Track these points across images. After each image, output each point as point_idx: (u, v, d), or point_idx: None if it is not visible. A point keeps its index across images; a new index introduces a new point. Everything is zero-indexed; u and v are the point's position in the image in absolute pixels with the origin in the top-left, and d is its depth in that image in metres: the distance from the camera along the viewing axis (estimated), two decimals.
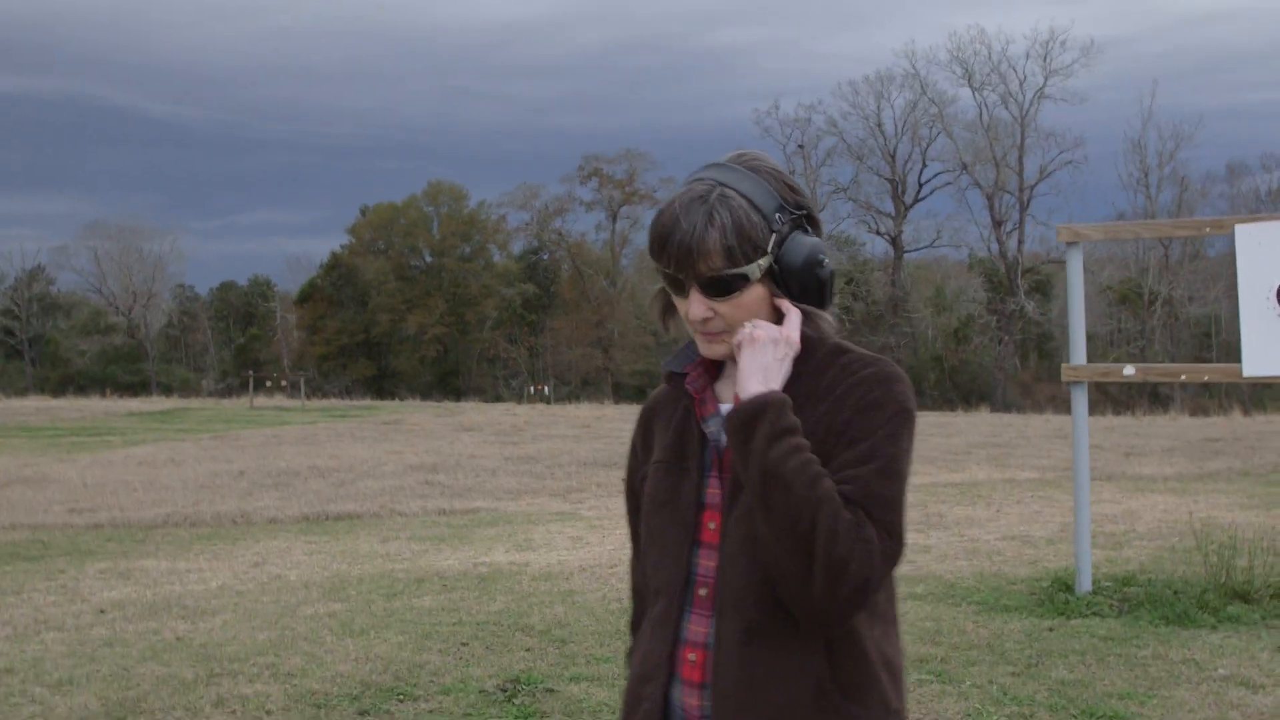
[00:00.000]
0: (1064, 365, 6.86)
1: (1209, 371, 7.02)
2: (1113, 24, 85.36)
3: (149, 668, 5.92)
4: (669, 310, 1.92)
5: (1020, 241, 52.77)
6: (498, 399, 57.21)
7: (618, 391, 61.72)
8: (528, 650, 6.16)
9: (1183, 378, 6.84)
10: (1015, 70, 51.55)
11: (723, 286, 1.76)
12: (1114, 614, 6.57)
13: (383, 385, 66.53)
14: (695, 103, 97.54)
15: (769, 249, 1.76)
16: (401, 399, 54.10)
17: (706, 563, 1.80)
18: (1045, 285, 55.44)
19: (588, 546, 9.55)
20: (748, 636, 1.73)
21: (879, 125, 56.19)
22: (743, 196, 1.76)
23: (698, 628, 1.80)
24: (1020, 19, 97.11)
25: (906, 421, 1.75)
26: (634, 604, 2.05)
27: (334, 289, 70.40)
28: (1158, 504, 11.13)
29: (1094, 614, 6.56)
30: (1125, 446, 18.73)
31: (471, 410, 33.34)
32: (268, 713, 5.16)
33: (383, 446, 19.57)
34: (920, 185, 56.99)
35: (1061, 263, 54.97)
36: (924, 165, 56.54)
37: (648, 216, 72.28)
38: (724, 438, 1.82)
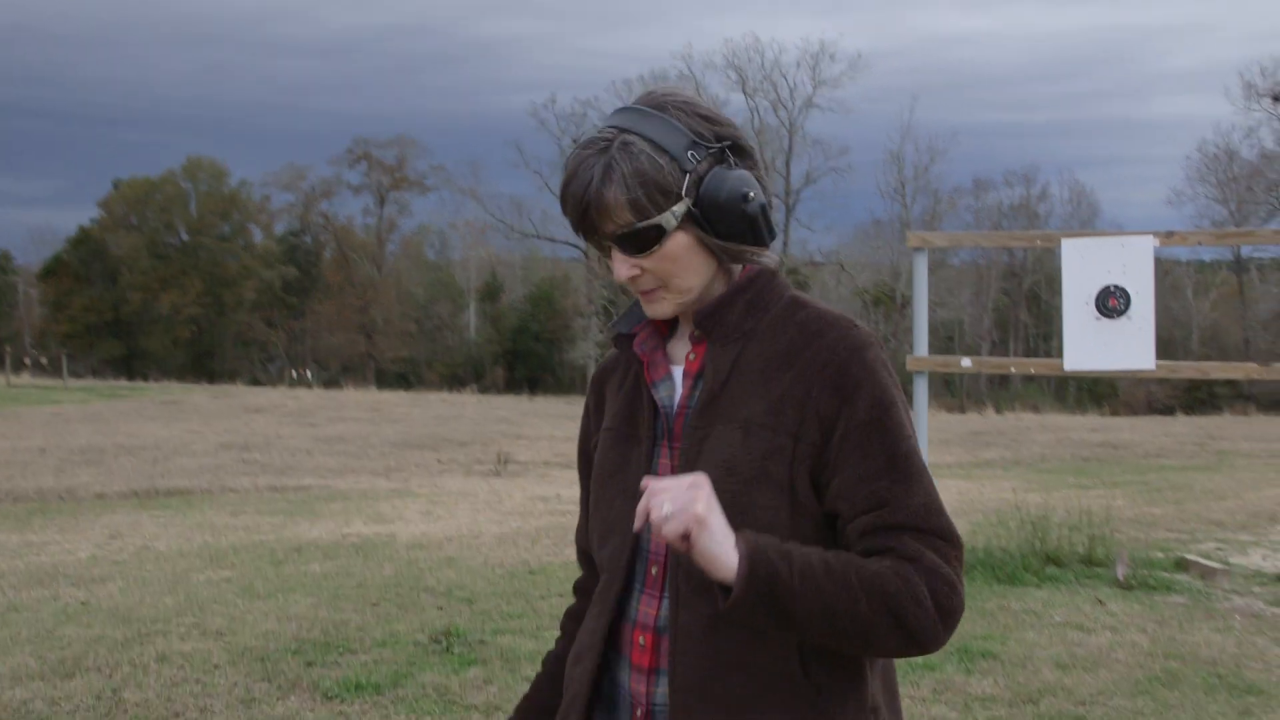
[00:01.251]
0: (908, 356, 7.71)
1: (1035, 365, 8.00)
2: (877, 39, 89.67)
3: (71, 630, 6.06)
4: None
5: (785, 244, 55.06)
6: (255, 382, 55.79)
7: (380, 378, 61.09)
8: (440, 609, 6.57)
9: (1011, 369, 7.80)
10: (786, 79, 53.77)
11: (640, 241, 1.62)
12: None
13: (133, 366, 63.92)
14: (463, 91, 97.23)
15: (683, 192, 1.60)
16: (154, 380, 52.16)
17: (657, 539, 1.59)
18: (804, 286, 57.99)
19: (440, 520, 9.93)
20: (713, 624, 1.59)
21: None
22: (646, 140, 1.60)
23: (648, 609, 1.68)
24: (792, 29, 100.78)
25: (897, 398, 1.63)
26: (582, 566, 1.94)
27: (82, 265, 67.09)
28: (952, 487, 12.29)
29: None
30: None
31: (248, 393, 32.67)
32: (215, 666, 5.42)
33: (179, 425, 19.22)
34: None
35: (818, 264, 57.73)
36: None
37: (417, 203, 71.05)
38: (675, 404, 1.70)
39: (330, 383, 53.00)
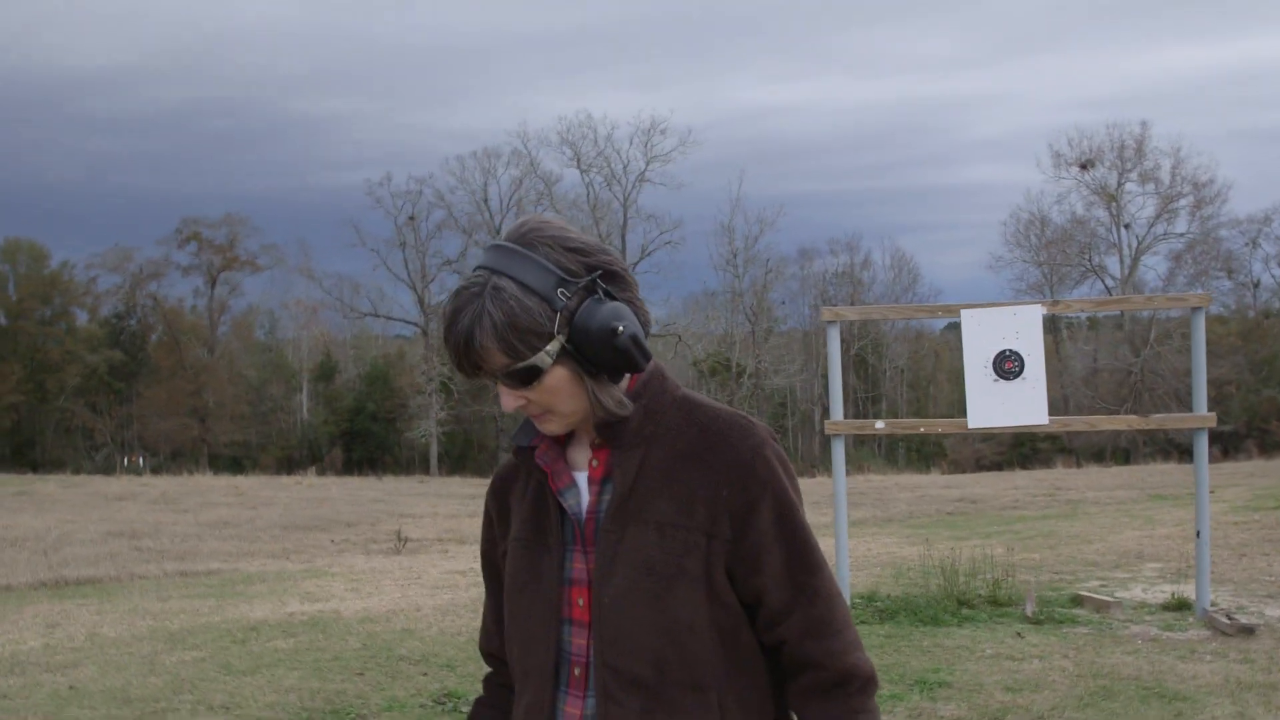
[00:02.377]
0: (827, 421, 8.45)
1: (941, 424, 8.83)
2: (698, 113, 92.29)
3: (78, 713, 6.26)
4: None
5: None
6: (77, 471, 53.90)
7: (214, 463, 59.66)
8: (425, 675, 6.96)
9: (921, 429, 8.61)
10: (619, 154, 55.18)
11: (520, 378, 1.69)
12: (877, 620, 8.17)
13: None
14: (286, 169, 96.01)
15: (554, 331, 1.67)
16: None
17: (578, 641, 1.76)
18: None
19: (372, 596, 10.22)
20: (642, 718, 1.71)
21: (485, 200, 58.25)
22: (516, 283, 1.66)
23: (573, 709, 1.77)
24: (617, 104, 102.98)
25: (795, 495, 1.78)
26: (490, 665, 2.06)
27: None
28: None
29: (861, 622, 8.12)
30: None
31: (97, 482, 31.78)
32: None
33: (49, 516, 18.80)
34: None
35: (657, 336, 58.82)
36: None
37: (248, 282, 69.69)
38: (584, 509, 1.79)
39: (160, 469, 51.64)
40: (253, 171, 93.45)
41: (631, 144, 55.44)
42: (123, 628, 8.92)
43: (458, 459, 58.83)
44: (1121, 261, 50.35)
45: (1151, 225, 50.15)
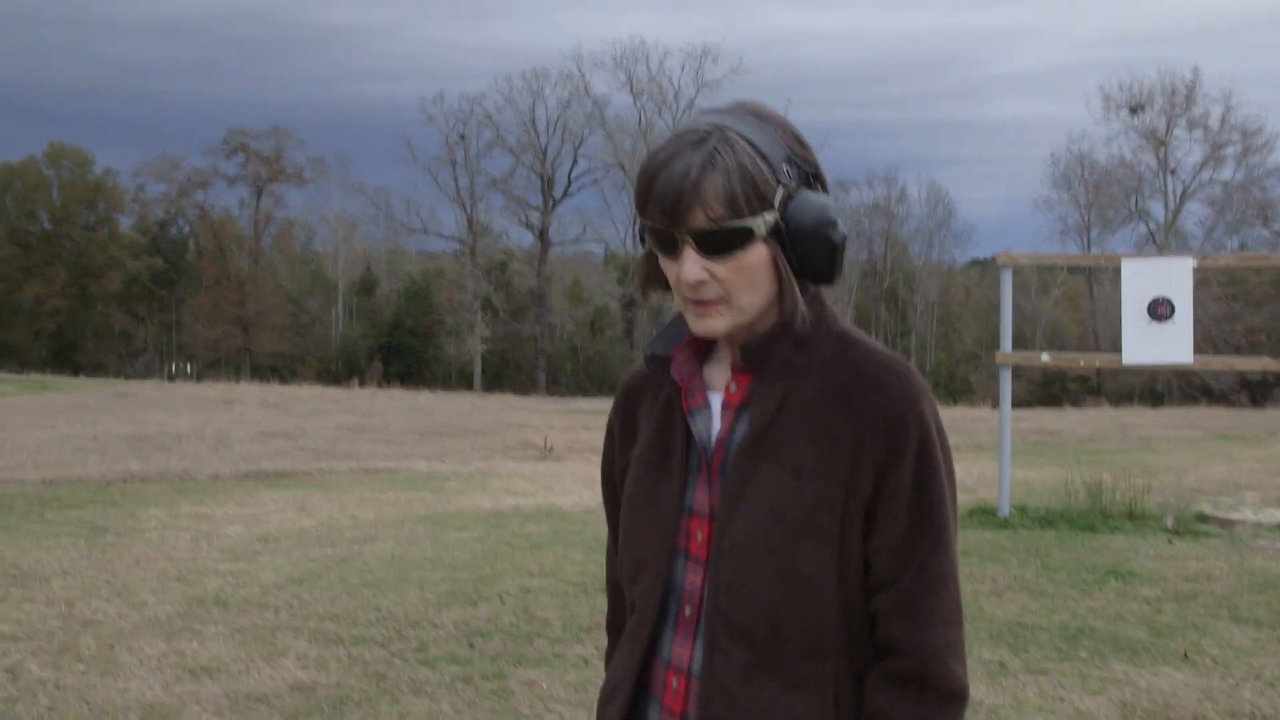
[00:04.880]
0: (996, 352, 9.78)
1: (1100, 359, 10.13)
2: (737, 37, 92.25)
3: (420, 574, 7.65)
4: (652, 278, 1.68)
5: None
6: (122, 376, 55.41)
7: (255, 373, 61.19)
8: None
9: (1081, 362, 9.92)
10: (671, 81, 56.09)
11: (722, 242, 1.52)
12: (1039, 527, 9.55)
13: None
14: (322, 79, 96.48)
15: (775, 204, 1.54)
16: (16, 373, 51.44)
17: (692, 578, 1.62)
18: None
19: (570, 494, 11.63)
20: (748, 674, 1.57)
21: (532, 121, 59.17)
22: (747, 141, 1.53)
23: (681, 650, 1.64)
24: (638, 23, 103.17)
25: (942, 461, 1.60)
26: (610, 601, 1.93)
27: None
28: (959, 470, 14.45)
29: (1024, 528, 9.50)
30: None
31: (169, 388, 33.23)
32: (570, 592, 7.10)
33: (187, 417, 20.25)
34: (570, 181, 60.52)
35: None
36: (575, 162, 60.16)
37: (293, 195, 70.51)
38: (714, 437, 1.64)
39: (203, 376, 53.15)
40: (290, 82, 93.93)
41: (684, 70, 56.25)
42: (377, 512, 10.32)
43: (493, 377, 60.30)
44: (1166, 206, 51.64)
45: (1198, 172, 51.34)
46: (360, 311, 68.22)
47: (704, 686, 1.59)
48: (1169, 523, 9.52)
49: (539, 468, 14.29)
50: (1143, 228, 51.99)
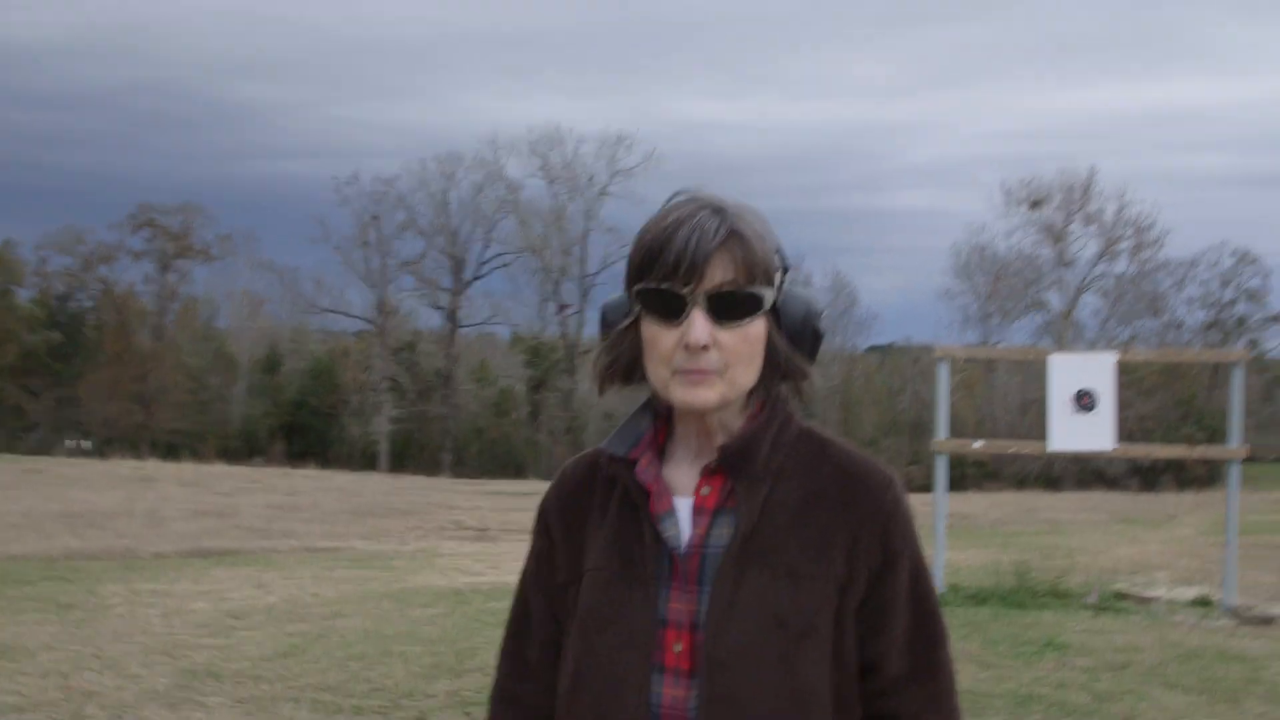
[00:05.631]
0: (934, 440, 10.41)
1: (1027, 447, 10.80)
2: (640, 124, 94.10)
3: (401, 648, 7.94)
4: (617, 366, 1.61)
5: (580, 325, 58.10)
6: (14, 452, 54.11)
7: (154, 449, 60.11)
8: None
9: (1012, 450, 10.57)
10: (585, 166, 57.21)
11: (736, 307, 1.51)
12: (973, 604, 10.12)
13: None
14: (233, 154, 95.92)
15: (775, 284, 1.55)
16: None
17: (672, 692, 1.54)
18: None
19: (514, 573, 11.92)
20: None
21: (444, 204, 59.76)
22: (757, 218, 1.56)
23: None
24: (543, 109, 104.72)
25: (922, 554, 1.63)
26: (502, 714, 1.77)
27: None
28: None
29: (960, 605, 10.06)
30: None
31: (78, 464, 32.70)
32: None
33: (109, 494, 20.12)
34: (481, 264, 61.07)
35: None
36: (486, 245, 60.74)
37: (199, 272, 69.92)
38: (684, 540, 1.57)
39: (96, 453, 52.10)
40: (201, 156, 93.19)
41: (598, 156, 57.41)
42: (337, 589, 10.55)
43: (398, 457, 59.91)
44: (1063, 298, 53.91)
45: (1093, 265, 53.71)
46: (263, 389, 67.58)
47: None
48: (1093, 599, 10.16)
49: (480, 547, 14.60)
50: (1040, 318, 54.16)
